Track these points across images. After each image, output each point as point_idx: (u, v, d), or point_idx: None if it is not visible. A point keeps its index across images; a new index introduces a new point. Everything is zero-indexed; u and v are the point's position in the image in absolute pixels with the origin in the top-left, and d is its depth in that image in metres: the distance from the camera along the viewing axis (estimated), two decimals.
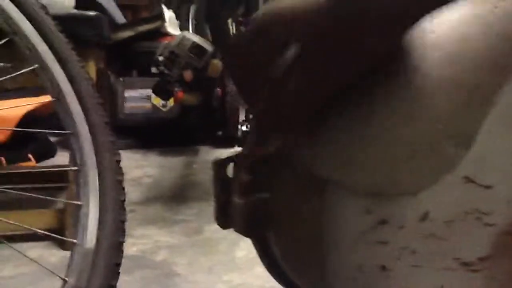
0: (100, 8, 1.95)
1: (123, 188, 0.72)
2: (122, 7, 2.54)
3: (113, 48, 1.91)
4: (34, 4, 0.68)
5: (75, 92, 0.69)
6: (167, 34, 2.30)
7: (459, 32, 0.42)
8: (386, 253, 0.43)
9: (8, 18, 0.66)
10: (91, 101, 0.71)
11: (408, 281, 0.43)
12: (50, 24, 0.68)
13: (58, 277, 0.63)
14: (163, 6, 2.34)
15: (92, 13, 1.10)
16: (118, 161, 0.72)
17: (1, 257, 0.99)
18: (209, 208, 1.26)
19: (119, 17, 2.38)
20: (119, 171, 0.72)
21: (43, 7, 0.69)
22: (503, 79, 0.39)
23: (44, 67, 0.67)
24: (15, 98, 1.54)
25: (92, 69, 1.09)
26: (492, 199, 0.40)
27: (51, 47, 0.68)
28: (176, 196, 1.44)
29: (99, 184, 0.70)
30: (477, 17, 0.41)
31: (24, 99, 1.53)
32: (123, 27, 2.29)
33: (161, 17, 2.28)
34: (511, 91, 0.39)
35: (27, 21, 0.67)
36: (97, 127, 0.70)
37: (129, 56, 2.30)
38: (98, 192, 0.70)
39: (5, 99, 1.50)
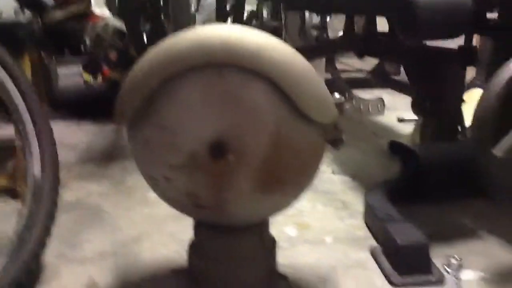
0: None
1: (56, 152, 1.05)
2: None
3: (46, 29, 2.16)
4: None
5: (17, 89, 1.01)
6: (94, 14, 2.54)
7: None
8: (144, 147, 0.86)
9: None
10: (31, 95, 1.03)
11: (151, 160, 0.86)
12: None
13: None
14: None
15: (26, 20, 1.39)
16: (51, 134, 1.05)
17: None
18: (131, 164, 1.60)
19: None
20: (53, 140, 1.05)
21: None
22: None
23: None
24: None
25: (27, 63, 1.40)
26: (178, 137, 0.82)
27: None
28: (105, 157, 1.78)
29: (39, 151, 1.03)
30: None
31: None
32: (54, 9, 2.50)
33: None
34: None
35: None
36: (35, 112, 1.02)
37: (61, 36, 2.53)
38: (39, 156, 1.03)
39: None
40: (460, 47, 1.28)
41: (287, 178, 0.87)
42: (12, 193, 1.35)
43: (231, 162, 0.82)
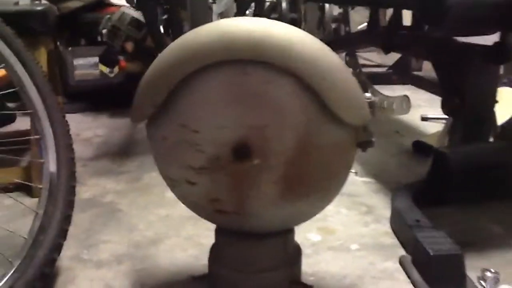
0: None
1: (73, 148, 1.01)
2: None
3: (62, 19, 2.12)
4: None
5: (32, 81, 0.97)
6: (111, 5, 2.50)
7: None
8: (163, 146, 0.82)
9: None
10: (46, 88, 0.99)
11: (171, 160, 0.82)
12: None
13: (31, 213, 0.93)
14: None
15: (41, 7, 1.34)
16: (68, 130, 1.01)
17: None
18: (148, 160, 1.56)
19: None
20: (69, 137, 1.01)
21: None
22: None
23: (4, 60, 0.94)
24: None
25: (43, 53, 1.35)
26: (199, 138, 0.77)
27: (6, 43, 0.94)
28: (122, 152, 1.74)
29: (55, 147, 0.99)
30: None
31: None
32: None
33: None
34: None
35: None
36: (51, 106, 0.98)
37: (77, 26, 2.48)
38: (55, 152, 0.99)
39: None
40: (495, 44, 1.20)
41: (313, 184, 0.81)
42: (27, 190, 1.32)
43: (256, 165, 0.78)
